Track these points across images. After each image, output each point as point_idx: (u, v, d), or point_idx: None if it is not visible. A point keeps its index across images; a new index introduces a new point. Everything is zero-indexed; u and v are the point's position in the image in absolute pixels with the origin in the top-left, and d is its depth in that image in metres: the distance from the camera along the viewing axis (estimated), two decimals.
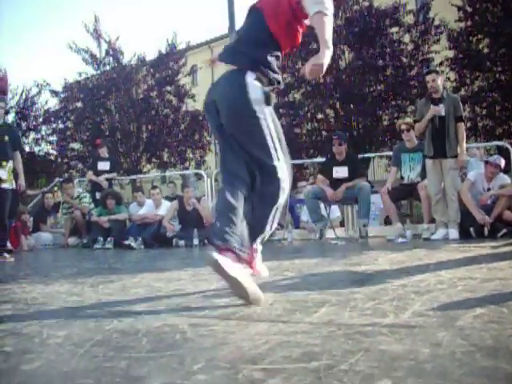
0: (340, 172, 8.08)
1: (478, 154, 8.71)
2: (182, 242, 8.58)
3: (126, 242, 8.56)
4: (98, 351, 1.85)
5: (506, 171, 7.64)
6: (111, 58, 22.66)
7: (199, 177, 12.20)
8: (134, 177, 17.63)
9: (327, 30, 2.67)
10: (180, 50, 23.17)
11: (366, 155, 13.07)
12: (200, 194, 10.42)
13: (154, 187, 9.66)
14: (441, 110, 6.84)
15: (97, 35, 22.54)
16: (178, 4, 70.25)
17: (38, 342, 2.06)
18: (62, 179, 12.53)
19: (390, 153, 9.40)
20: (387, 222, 8.70)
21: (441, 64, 17.62)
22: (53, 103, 24.10)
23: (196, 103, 22.38)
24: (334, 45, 13.00)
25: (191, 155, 22.94)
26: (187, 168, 22.01)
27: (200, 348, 1.86)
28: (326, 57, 2.64)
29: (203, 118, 22.15)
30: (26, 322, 2.48)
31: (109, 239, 8.97)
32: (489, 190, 7.18)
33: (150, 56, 23.11)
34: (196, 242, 8.43)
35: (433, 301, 2.57)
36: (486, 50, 17.24)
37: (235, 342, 1.92)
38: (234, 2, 11.22)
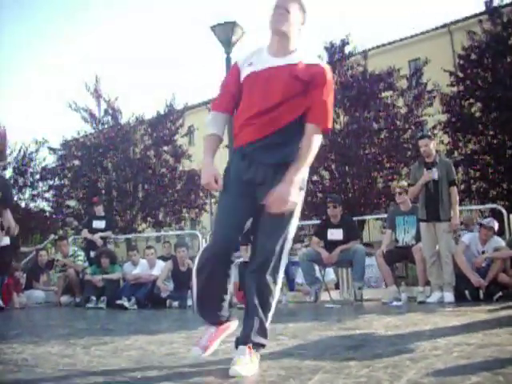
0: (335, 234, 8.08)
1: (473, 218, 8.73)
2: (175, 303, 8.48)
3: (119, 302, 8.45)
4: None
5: (499, 234, 7.67)
6: (110, 117, 22.95)
7: (194, 237, 12.17)
8: (129, 236, 17.59)
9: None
10: (178, 111, 23.48)
11: (361, 217, 13.12)
12: (195, 255, 10.38)
13: (148, 247, 9.62)
14: (434, 174, 6.93)
15: (97, 95, 22.91)
16: (176, 64, 71.65)
17: None
18: (56, 236, 12.48)
19: (385, 215, 9.43)
20: None
21: (434, 127, 17.90)
22: (50, 160, 24.24)
23: (192, 163, 22.53)
24: None
25: (187, 215, 22.96)
26: (182, 228, 21.98)
27: None
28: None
29: (200, 178, 22.22)
30: None
31: (102, 299, 8.87)
32: (483, 252, 7.18)
33: (148, 116, 23.42)
34: (190, 303, 8.33)
35: (428, 368, 2.55)
36: (477, 114, 17.55)
37: None
38: (231, 63, 11.47)
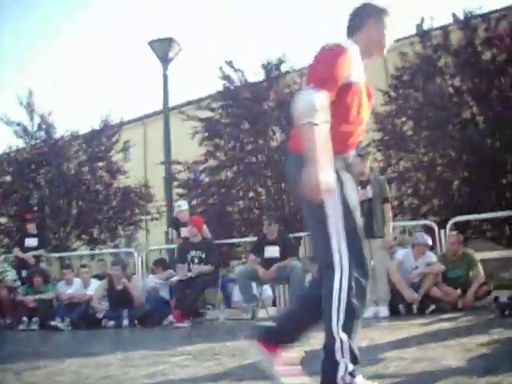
0: (271, 251, 8.11)
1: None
2: (111, 323, 8.32)
3: (53, 323, 8.24)
4: None
5: (431, 248, 7.88)
6: (43, 132, 22.43)
7: (130, 255, 12.00)
8: (62, 254, 17.13)
9: (307, 144, 2.37)
10: (113, 126, 23.19)
11: (298, 234, 13.21)
12: (131, 273, 10.23)
13: (82, 266, 9.45)
14: (368, 193, 7.07)
15: (30, 109, 22.37)
16: (112, 79, 70.81)
17: None
18: None
19: None
20: None
21: (368, 145, 18.30)
22: None
23: (128, 179, 22.27)
24: (266, 125, 13.17)
25: (122, 232, 22.63)
26: (117, 245, 21.64)
27: None
28: (310, 175, 2.31)
29: (135, 194, 22.04)
30: None
31: (34, 320, 8.62)
32: (416, 267, 7.36)
33: (83, 131, 23.01)
34: (126, 322, 8.21)
35: None
36: (409, 133, 18.04)
37: None
38: (168, 78, 11.48)
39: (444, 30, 17.70)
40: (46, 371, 3.61)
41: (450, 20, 17.67)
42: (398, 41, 24.97)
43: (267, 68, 19.18)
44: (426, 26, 18.29)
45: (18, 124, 22.34)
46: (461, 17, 16.93)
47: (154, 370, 3.32)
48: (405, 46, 19.30)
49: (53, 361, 4.17)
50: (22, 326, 8.55)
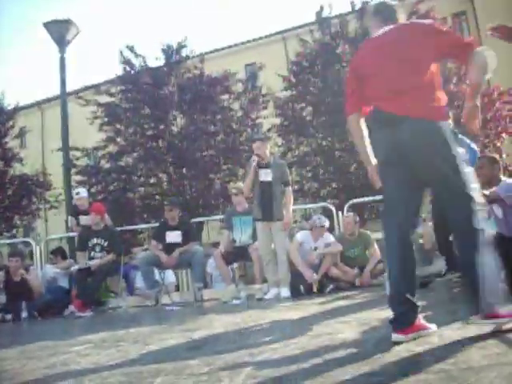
0: (173, 237, 8.09)
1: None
2: (8, 316, 8.03)
3: None
4: None
5: (329, 230, 8.12)
6: None
7: (27, 245, 11.59)
8: None
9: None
10: (8, 111, 22.24)
11: (200, 219, 13.25)
12: (29, 264, 9.88)
13: None
14: (267, 175, 7.18)
15: None
16: (6, 62, 67.61)
17: None
18: None
19: (223, 216, 9.61)
20: None
21: (269, 130, 18.56)
22: None
23: (24, 167, 21.43)
24: (166, 110, 13.01)
25: (19, 222, 21.81)
26: (15, 236, 20.83)
27: None
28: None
29: (32, 182, 21.28)
30: None
31: None
32: (316, 248, 7.57)
33: None
34: (25, 315, 7.95)
35: (265, 361, 2.66)
36: (308, 118, 18.44)
37: None
38: (65, 61, 11.11)
39: (342, 18, 18.19)
40: None
41: (348, 9, 18.19)
42: (298, 28, 25.50)
43: (167, 53, 18.99)
44: (325, 14, 18.72)
45: None
46: (358, 5, 17.44)
47: (55, 360, 3.25)
48: (305, 33, 19.69)
49: None
50: None
